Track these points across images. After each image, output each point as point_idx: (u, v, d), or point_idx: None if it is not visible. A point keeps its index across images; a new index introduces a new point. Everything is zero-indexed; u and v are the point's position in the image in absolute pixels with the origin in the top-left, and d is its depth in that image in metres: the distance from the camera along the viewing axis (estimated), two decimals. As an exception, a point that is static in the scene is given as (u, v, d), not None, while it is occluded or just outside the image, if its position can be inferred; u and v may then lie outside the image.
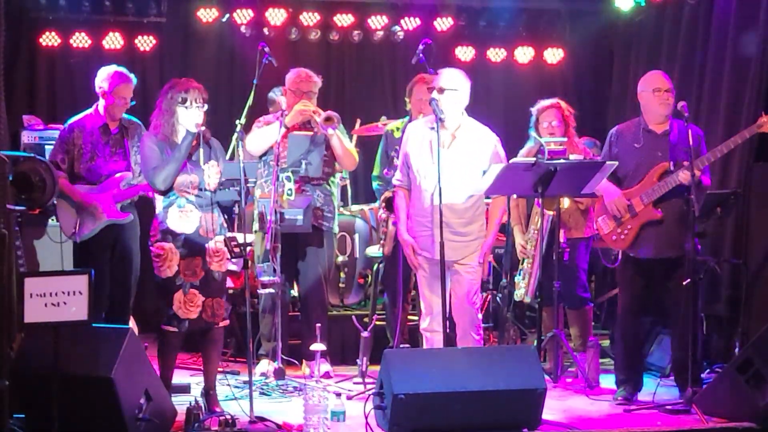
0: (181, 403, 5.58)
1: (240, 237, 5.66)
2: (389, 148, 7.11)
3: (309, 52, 9.27)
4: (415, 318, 6.85)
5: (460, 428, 5.22)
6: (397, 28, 9.35)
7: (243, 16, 9.00)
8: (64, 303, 4.70)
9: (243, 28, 9.09)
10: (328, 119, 6.60)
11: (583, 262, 7.00)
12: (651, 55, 8.70)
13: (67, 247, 6.79)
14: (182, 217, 5.63)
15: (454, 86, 5.97)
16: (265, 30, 9.11)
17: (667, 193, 6.09)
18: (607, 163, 6.14)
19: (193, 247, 5.63)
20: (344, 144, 6.78)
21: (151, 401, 5.14)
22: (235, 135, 5.87)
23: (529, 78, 9.72)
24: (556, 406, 5.93)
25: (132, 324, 6.65)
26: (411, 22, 9.33)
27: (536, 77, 9.70)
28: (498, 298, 7.60)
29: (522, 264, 7.09)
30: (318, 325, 6.25)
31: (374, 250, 7.71)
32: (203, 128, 5.62)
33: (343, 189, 8.38)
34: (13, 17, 7.76)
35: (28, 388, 5.02)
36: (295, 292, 7.38)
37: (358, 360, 6.63)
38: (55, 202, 6.45)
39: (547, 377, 5.95)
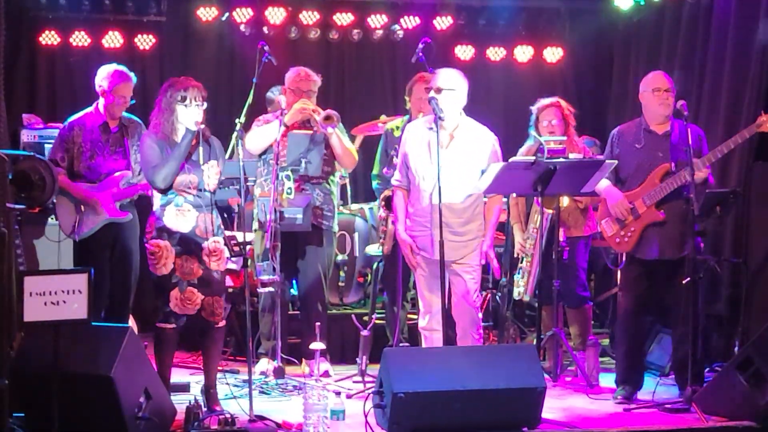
0: (180, 401, 5.58)
1: (239, 236, 5.66)
2: (389, 147, 7.11)
3: (308, 51, 9.26)
4: (415, 317, 6.85)
5: (460, 427, 5.22)
6: (397, 27, 9.35)
7: (243, 14, 9.00)
8: (64, 302, 4.69)
9: (242, 27, 9.09)
10: (327, 118, 6.60)
11: (582, 261, 7.00)
12: (651, 54, 8.70)
13: (65, 246, 6.80)
14: (179, 215, 5.64)
15: (451, 86, 5.97)
16: (265, 29, 9.11)
17: (669, 194, 6.09)
18: (606, 161, 6.14)
19: (189, 246, 5.63)
20: (344, 143, 6.77)
21: (150, 400, 5.14)
22: (235, 134, 5.86)
23: (528, 77, 9.72)
24: (555, 405, 5.93)
25: (131, 323, 6.66)
26: (411, 21, 9.33)
27: (536, 76, 9.70)
28: (497, 297, 7.61)
29: (521, 262, 7.10)
30: (317, 323, 6.24)
31: (374, 249, 7.71)
32: (203, 126, 5.62)
33: (343, 188, 8.38)
34: (13, 16, 7.76)
35: (28, 387, 5.02)
36: (294, 291, 7.37)
37: (357, 359, 6.63)
38: (55, 200, 6.45)
39: (546, 376, 5.95)
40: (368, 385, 6.23)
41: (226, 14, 9.01)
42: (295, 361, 6.93)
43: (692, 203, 5.80)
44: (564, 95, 7.36)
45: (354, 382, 6.55)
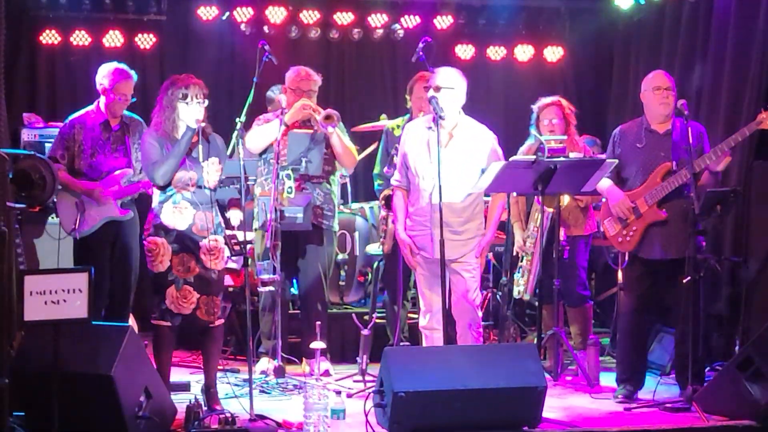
0: (181, 401, 5.58)
1: (240, 235, 5.66)
2: (389, 146, 7.11)
3: (309, 51, 9.26)
4: (415, 316, 6.85)
5: (461, 426, 5.21)
6: (397, 26, 9.35)
7: (243, 14, 9.00)
8: (64, 301, 4.69)
9: (243, 26, 9.08)
10: (327, 117, 6.60)
11: (582, 260, 7.00)
12: (651, 53, 8.69)
13: (65, 245, 6.79)
14: (176, 212, 5.64)
15: (450, 84, 5.97)
16: (265, 28, 9.10)
17: (670, 193, 6.09)
18: (607, 160, 6.14)
19: (185, 244, 5.63)
20: (344, 142, 6.77)
21: (151, 399, 5.14)
22: (236, 133, 5.86)
23: (528, 76, 9.71)
24: (556, 404, 5.93)
25: (132, 322, 6.66)
26: (411, 20, 9.32)
27: (536, 75, 9.70)
28: (498, 296, 7.61)
29: (521, 261, 7.10)
30: (318, 323, 6.25)
31: (374, 248, 7.71)
32: (203, 124, 5.62)
33: (343, 187, 8.38)
34: (13, 15, 7.76)
35: (28, 386, 5.02)
36: (295, 290, 7.37)
37: (358, 358, 6.63)
38: (55, 199, 6.45)
39: (547, 375, 5.94)
40: (369, 385, 6.23)
41: (227, 13, 9.00)
42: (296, 360, 6.93)
43: (693, 202, 5.80)
44: (564, 94, 7.37)
45: (354, 381, 6.55)
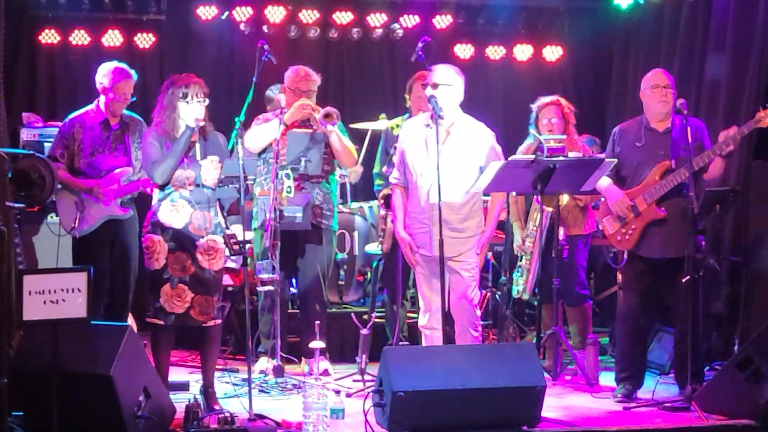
0: (180, 400, 5.57)
1: (239, 234, 5.67)
2: (389, 146, 7.11)
3: (308, 50, 9.26)
4: (415, 315, 6.85)
5: (460, 426, 5.21)
6: (396, 25, 9.35)
7: (242, 13, 9.00)
8: (63, 300, 4.69)
9: (242, 26, 9.08)
10: (327, 115, 6.59)
11: (582, 260, 7.01)
12: (650, 53, 8.70)
13: (64, 244, 6.79)
14: (173, 211, 5.65)
15: (448, 81, 5.97)
16: (265, 27, 9.10)
17: (669, 191, 6.09)
18: (606, 160, 6.15)
19: (181, 242, 5.64)
20: (343, 141, 6.77)
21: (150, 399, 5.13)
22: (235, 132, 5.87)
23: (528, 76, 9.71)
24: (555, 404, 5.93)
25: (131, 321, 6.65)
26: (410, 20, 9.32)
27: (535, 75, 9.70)
28: (497, 296, 7.61)
29: (520, 261, 7.10)
30: (317, 322, 6.25)
31: (373, 248, 7.71)
32: (202, 123, 5.63)
33: (343, 186, 8.38)
34: (13, 15, 7.77)
35: (27, 386, 5.02)
36: (294, 290, 7.37)
37: (357, 357, 6.63)
38: (55, 198, 6.46)
39: (546, 375, 5.94)
40: (368, 384, 6.23)
41: (226, 13, 9.00)
42: (295, 359, 6.93)
43: (692, 201, 5.80)
44: (563, 94, 7.36)
45: (354, 380, 6.55)
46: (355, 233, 8.12)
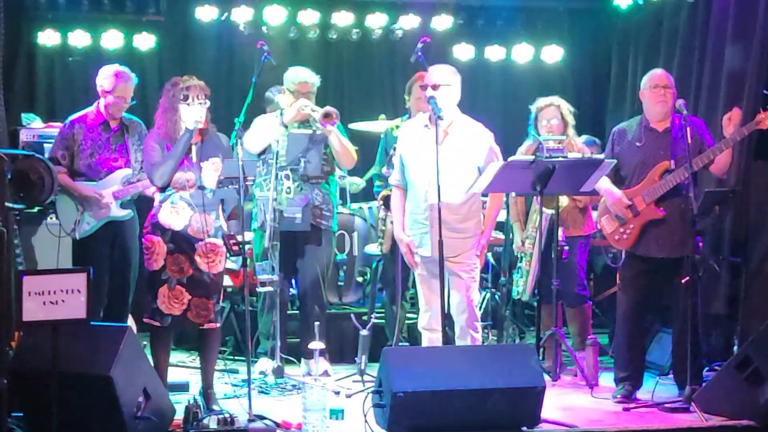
0: (179, 401, 5.57)
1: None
2: (388, 147, 7.11)
3: (308, 51, 9.26)
4: (414, 316, 6.85)
5: (459, 426, 5.21)
6: (396, 26, 9.35)
7: (242, 14, 9.00)
8: (63, 301, 4.69)
9: (242, 27, 9.07)
10: (327, 115, 6.59)
11: (581, 260, 7.01)
12: (649, 54, 8.70)
13: (64, 245, 6.79)
14: (172, 212, 5.66)
15: (447, 81, 5.98)
16: (264, 28, 9.10)
17: (668, 192, 6.10)
18: (606, 160, 6.15)
19: (180, 244, 5.64)
20: (342, 142, 6.77)
21: (149, 399, 5.13)
22: (234, 133, 5.87)
23: (527, 76, 9.71)
24: (555, 404, 5.92)
25: (130, 322, 6.65)
26: (410, 21, 9.32)
27: (535, 76, 9.69)
28: (497, 297, 7.61)
29: (520, 262, 7.11)
30: (316, 323, 6.25)
31: (373, 248, 7.71)
32: (201, 125, 5.64)
33: (342, 187, 8.38)
34: (12, 15, 7.75)
35: (27, 387, 5.02)
36: (294, 291, 7.37)
37: (356, 358, 6.63)
38: (55, 198, 6.46)
39: (546, 375, 5.94)
40: (367, 385, 6.23)
41: (226, 14, 9.00)
42: (294, 360, 6.93)
43: (691, 202, 5.80)
44: (563, 95, 7.36)
45: (353, 381, 6.55)
46: (355, 234, 8.12)
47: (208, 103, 5.72)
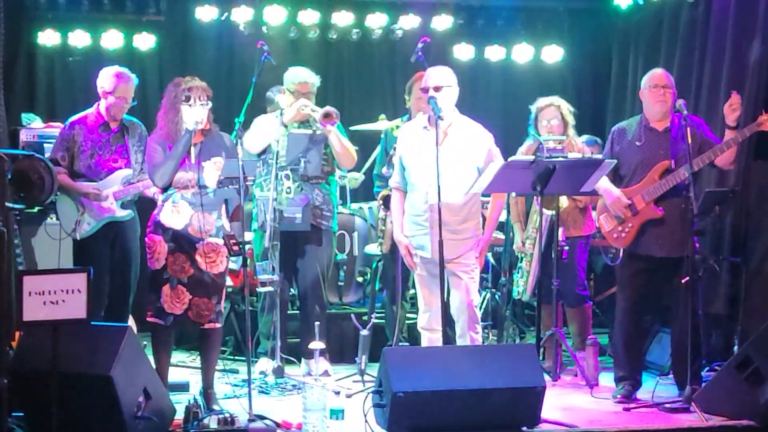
0: (180, 401, 5.57)
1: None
2: (388, 147, 7.11)
3: (308, 51, 9.26)
4: (414, 316, 6.85)
5: (459, 426, 5.21)
6: (396, 26, 9.35)
7: (242, 14, 9.00)
8: (63, 301, 4.69)
9: (242, 27, 9.07)
10: (327, 115, 6.59)
11: (581, 260, 7.01)
12: (650, 54, 8.70)
13: (65, 245, 6.79)
14: (173, 212, 5.68)
15: (448, 82, 6.02)
16: (264, 28, 9.10)
17: (668, 191, 6.10)
18: (606, 161, 6.15)
19: (180, 244, 5.65)
20: (342, 142, 6.77)
21: (150, 399, 5.14)
22: (234, 133, 5.87)
23: (527, 76, 9.70)
24: (555, 404, 5.92)
25: (131, 322, 6.65)
26: (410, 21, 9.32)
27: (535, 76, 9.69)
28: (497, 297, 7.61)
29: (520, 262, 7.11)
30: (317, 323, 6.25)
31: (373, 249, 7.71)
32: (201, 126, 5.64)
33: (342, 187, 8.38)
34: (12, 15, 7.76)
35: (27, 387, 5.02)
36: (294, 291, 7.37)
37: (357, 358, 6.63)
38: (55, 199, 6.46)
39: (546, 375, 5.94)
40: (367, 385, 6.23)
41: (226, 14, 9.00)
42: (295, 360, 6.93)
43: (691, 202, 5.81)
44: (563, 95, 7.36)
45: (353, 381, 6.55)
46: (355, 234, 8.12)
47: (210, 104, 5.73)
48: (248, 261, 6.73)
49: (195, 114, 5.64)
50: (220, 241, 5.71)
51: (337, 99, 9.14)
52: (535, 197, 6.70)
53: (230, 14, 8.99)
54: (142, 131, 6.65)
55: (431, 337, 6.09)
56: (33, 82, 8.85)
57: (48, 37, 8.76)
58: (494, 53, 9.67)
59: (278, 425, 5.43)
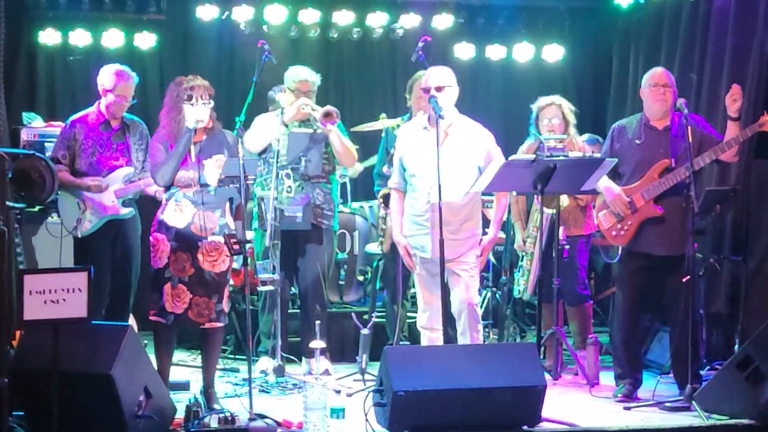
0: (180, 400, 5.57)
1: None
2: (389, 146, 7.11)
3: (308, 50, 9.27)
4: (415, 315, 6.85)
5: (460, 425, 5.21)
6: (397, 25, 9.35)
7: (243, 13, 9.00)
8: (64, 300, 4.69)
9: (242, 26, 9.08)
10: (327, 114, 6.59)
11: (582, 259, 7.01)
12: (650, 53, 8.70)
13: (65, 244, 6.79)
14: (176, 211, 5.69)
15: (449, 82, 6.03)
16: (265, 27, 9.10)
17: (667, 190, 6.10)
18: (606, 160, 6.15)
19: (182, 242, 5.65)
20: (343, 141, 6.77)
21: (150, 398, 5.13)
22: (235, 132, 5.87)
23: (528, 75, 9.71)
24: (555, 403, 5.91)
25: (131, 321, 6.66)
26: (410, 20, 9.32)
27: (536, 75, 9.70)
28: (497, 296, 7.61)
29: (521, 261, 7.11)
30: (317, 322, 6.25)
31: (374, 247, 7.71)
32: (202, 125, 5.65)
33: (343, 186, 8.38)
34: (13, 15, 7.76)
35: (28, 386, 5.02)
36: (295, 290, 7.37)
37: (357, 357, 6.63)
38: (57, 197, 6.46)
39: (546, 374, 5.94)
40: (368, 384, 6.24)
41: (226, 13, 9.00)
42: (295, 359, 6.93)
43: (692, 201, 5.81)
44: (564, 94, 7.36)
45: (354, 380, 6.55)
46: (356, 233, 8.12)
47: (212, 102, 5.73)
48: (249, 260, 6.75)
49: (197, 113, 5.64)
50: (222, 239, 5.71)
51: (337, 98, 9.16)
52: (535, 196, 6.70)
53: (231, 13, 9.00)
54: (143, 129, 6.66)
55: (431, 336, 6.09)
56: (34, 82, 8.86)
57: (49, 36, 8.77)
58: (495, 52, 9.67)
59: (279, 424, 5.43)
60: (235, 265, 6.63)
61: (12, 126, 7.87)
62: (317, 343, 5.95)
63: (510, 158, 6.11)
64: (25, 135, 7.94)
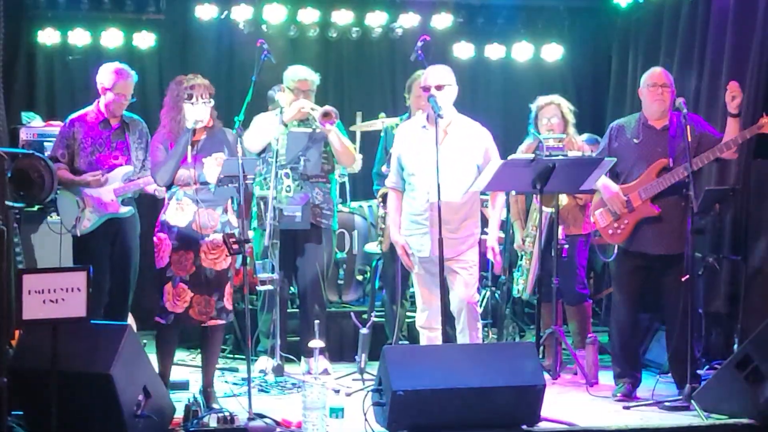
0: (179, 400, 5.57)
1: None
2: (388, 145, 7.11)
3: (308, 50, 9.26)
4: (414, 314, 6.85)
5: (459, 425, 5.22)
6: (396, 25, 9.35)
7: (242, 13, 9.00)
8: (63, 300, 4.69)
9: (242, 25, 9.08)
10: (326, 114, 6.59)
11: (581, 259, 7.01)
12: (649, 52, 8.70)
13: (65, 243, 6.79)
14: (178, 209, 5.69)
15: (449, 81, 6.03)
16: (264, 27, 9.10)
17: (665, 190, 6.10)
18: (606, 159, 6.15)
19: (184, 241, 5.66)
20: (342, 140, 6.77)
21: (149, 398, 5.13)
22: (234, 132, 5.87)
23: (527, 75, 9.71)
24: (555, 403, 5.91)
25: (131, 320, 6.66)
26: (410, 19, 9.32)
27: (535, 74, 9.70)
28: (497, 295, 7.61)
29: (520, 260, 7.11)
30: (316, 321, 6.25)
31: (373, 247, 7.71)
32: (201, 124, 5.65)
33: (342, 185, 8.38)
34: (12, 14, 7.76)
35: (27, 385, 5.02)
36: (294, 289, 7.37)
37: (356, 357, 6.63)
38: (56, 196, 6.46)
39: (545, 374, 5.94)
40: (367, 383, 6.23)
41: (226, 12, 9.00)
42: (294, 359, 6.93)
43: (691, 200, 5.81)
44: (563, 93, 7.36)
45: (353, 380, 6.56)
46: (355, 232, 8.12)
47: (212, 101, 5.73)
48: (248, 259, 6.75)
49: (197, 112, 5.64)
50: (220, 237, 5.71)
51: (336, 97, 9.16)
52: (535, 195, 6.70)
53: (230, 13, 9.00)
54: (143, 128, 6.66)
55: (430, 335, 6.09)
56: (33, 81, 8.85)
57: (48, 36, 8.77)
58: (494, 52, 9.67)
59: (278, 424, 5.43)
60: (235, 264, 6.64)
61: (11, 125, 7.86)
62: (316, 343, 5.95)
63: (509, 157, 6.11)
64: (24, 134, 7.94)
